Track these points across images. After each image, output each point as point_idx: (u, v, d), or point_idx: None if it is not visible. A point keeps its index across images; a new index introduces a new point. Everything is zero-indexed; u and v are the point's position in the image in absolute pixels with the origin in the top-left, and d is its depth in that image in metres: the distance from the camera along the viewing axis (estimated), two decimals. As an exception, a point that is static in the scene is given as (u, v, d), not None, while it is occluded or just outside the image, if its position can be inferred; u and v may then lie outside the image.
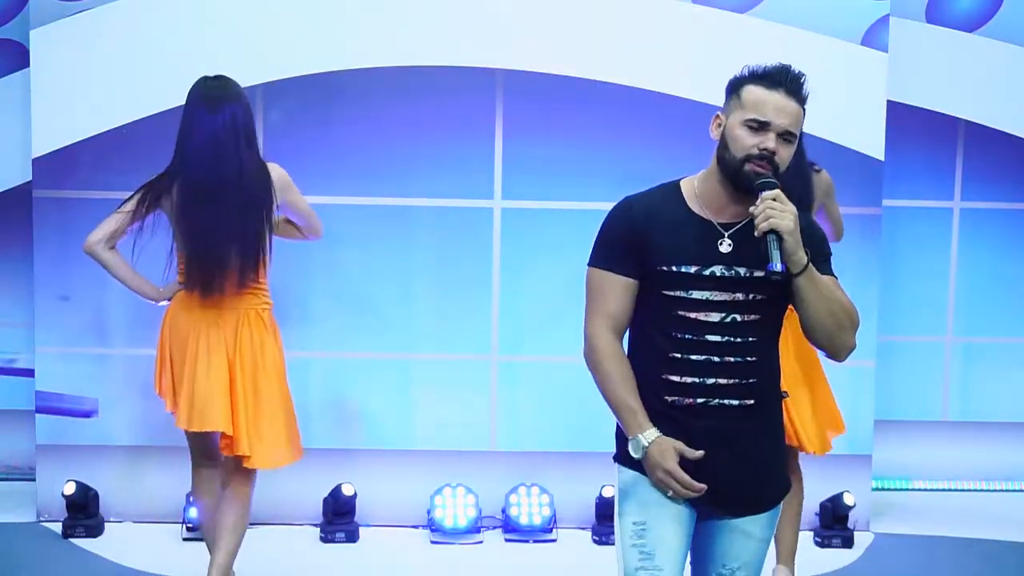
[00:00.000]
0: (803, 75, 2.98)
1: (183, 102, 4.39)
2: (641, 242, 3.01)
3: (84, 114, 5.26)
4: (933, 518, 5.72)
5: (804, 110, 2.99)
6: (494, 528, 5.47)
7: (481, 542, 5.39)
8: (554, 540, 5.40)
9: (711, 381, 3.00)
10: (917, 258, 5.96)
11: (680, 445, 2.99)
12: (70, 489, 5.31)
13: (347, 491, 5.37)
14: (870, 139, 5.35)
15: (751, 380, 3.02)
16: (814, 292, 2.93)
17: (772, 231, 2.86)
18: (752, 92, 2.95)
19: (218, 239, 4.33)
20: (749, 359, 3.01)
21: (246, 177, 4.34)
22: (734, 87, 3.00)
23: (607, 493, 5.33)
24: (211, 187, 4.31)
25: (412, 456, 5.53)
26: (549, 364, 5.48)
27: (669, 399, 3.02)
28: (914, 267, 5.96)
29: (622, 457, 3.10)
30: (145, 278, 4.51)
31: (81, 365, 5.44)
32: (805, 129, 5.43)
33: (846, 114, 5.33)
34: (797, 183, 4.31)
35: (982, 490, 6.08)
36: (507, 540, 5.41)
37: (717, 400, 3.01)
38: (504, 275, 5.48)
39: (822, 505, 5.43)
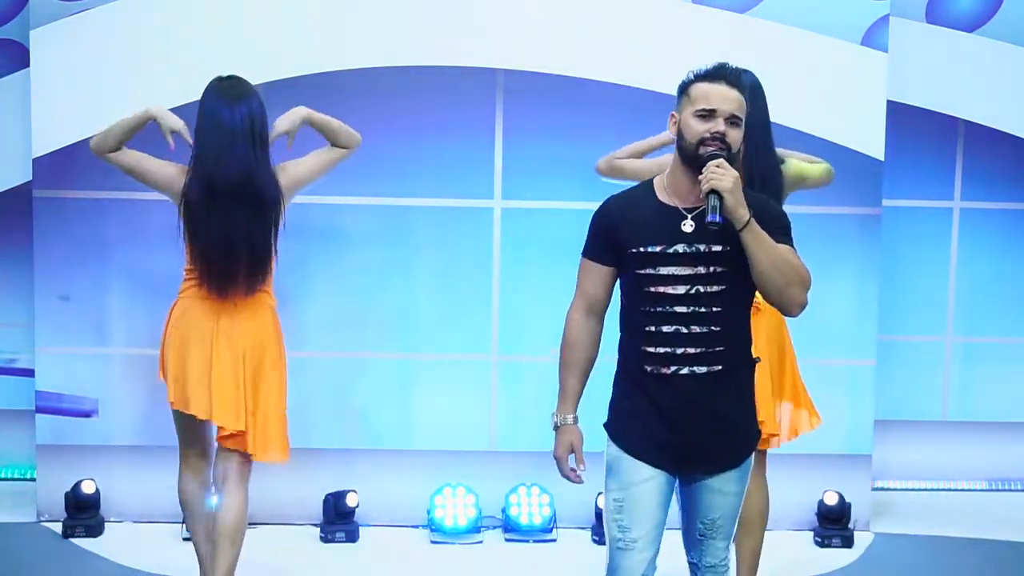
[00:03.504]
0: (739, 69, 3.38)
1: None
2: (615, 232, 3.38)
3: (84, 114, 5.24)
4: (933, 518, 5.72)
5: (745, 99, 3.33)
6: (494, 528, 5.47)
7: (481, 542, 5.39)
8: (554, 540, 5.40)
9: (680, 351, 3.33)
10: (917, 258, 5.95)
11: (577, 445, 3.49)
12: (90, 488, 5.33)
13: (351, 501, 5.36)
14: (870, 139, 5.35)
15: (718, 348, 3.34)
16: (758, 247, 3.24)
17: (713, 190, 3.20)
18: (698, 88, 3.31)
19: (227, 248, 4.30)
20: (714, 328, 3.32)
21: (257, 182, 4.31)
22: (683, 88, 3.35)
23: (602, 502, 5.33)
24: (222, 188, 4.27)
25: (412, 456, 5.53)
26: (549, 364, 5.40)
27: (648, 368, 3.36)
28: (914, 267, 5.95)
29: (610, 425, 3.50)
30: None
31: (81, 365, 5.44)
32: (805, 129, 5.48)
33: (846, 114, 5.33)
34: (767, 167, 4.26)
35: (982, 490, 6.08)
36: (507, 540, 5.41)
37: (688, 368, 3.33)
38: (504, 275, 5.48)
39: (818, 504, 5.44)
